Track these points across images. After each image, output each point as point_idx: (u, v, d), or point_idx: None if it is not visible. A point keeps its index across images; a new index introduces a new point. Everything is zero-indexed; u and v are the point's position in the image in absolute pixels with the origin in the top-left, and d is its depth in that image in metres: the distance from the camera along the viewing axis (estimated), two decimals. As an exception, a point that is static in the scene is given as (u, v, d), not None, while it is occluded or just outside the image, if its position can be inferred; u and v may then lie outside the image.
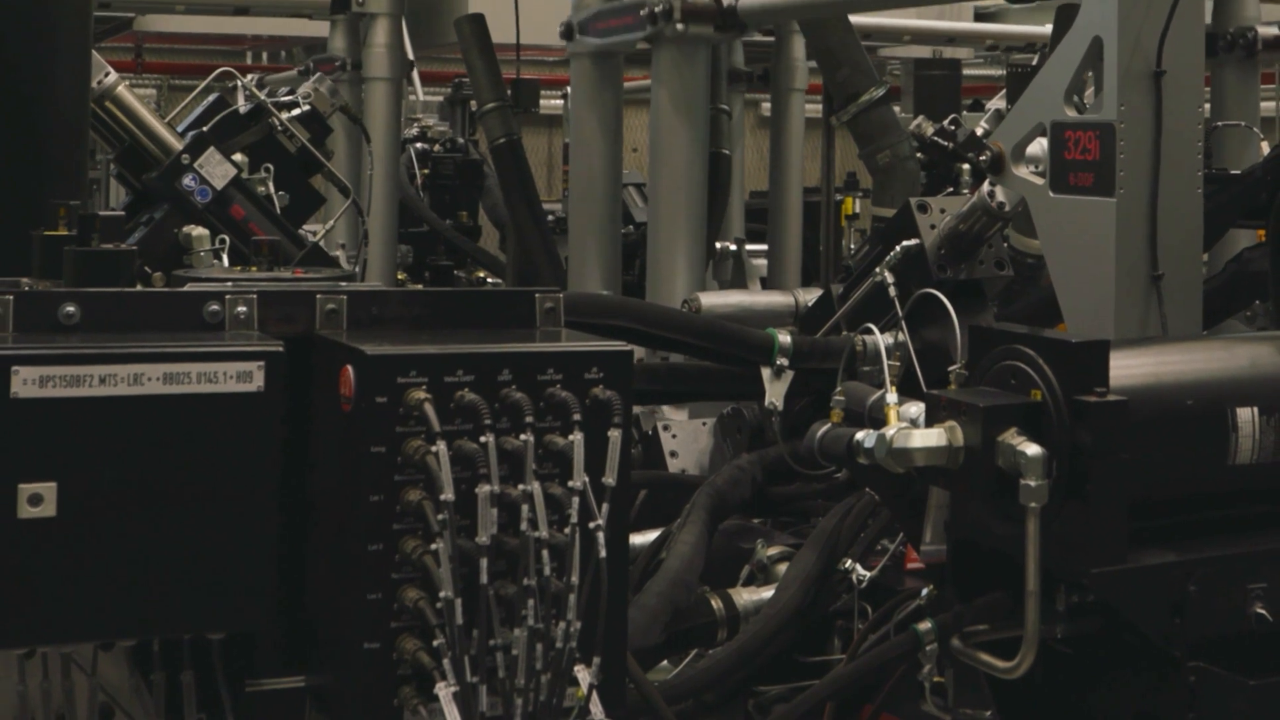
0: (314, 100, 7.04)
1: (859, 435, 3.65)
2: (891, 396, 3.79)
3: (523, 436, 2.91)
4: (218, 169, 6.21)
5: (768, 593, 4.39)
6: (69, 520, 2.77)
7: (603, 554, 2.91)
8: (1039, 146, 4.86)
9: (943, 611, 3.70)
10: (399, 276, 10.48)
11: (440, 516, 2.83)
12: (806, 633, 4.31)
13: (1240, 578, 3.55)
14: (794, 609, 4.23)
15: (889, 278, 4.73)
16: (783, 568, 4.48)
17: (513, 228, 9.85)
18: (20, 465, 2.75)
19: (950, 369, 3.76)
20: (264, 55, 18.86)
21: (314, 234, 6.90)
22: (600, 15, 7.66)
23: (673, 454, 5.80)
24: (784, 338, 5.00)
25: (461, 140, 14.87)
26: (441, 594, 2.83)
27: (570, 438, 2.93)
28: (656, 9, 7.11)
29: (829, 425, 3.91)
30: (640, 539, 4.70)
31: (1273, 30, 7.99)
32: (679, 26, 7.09)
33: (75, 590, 2.80)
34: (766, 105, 13.87)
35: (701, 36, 7.21)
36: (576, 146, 8.05)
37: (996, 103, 8.67)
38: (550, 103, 17.41)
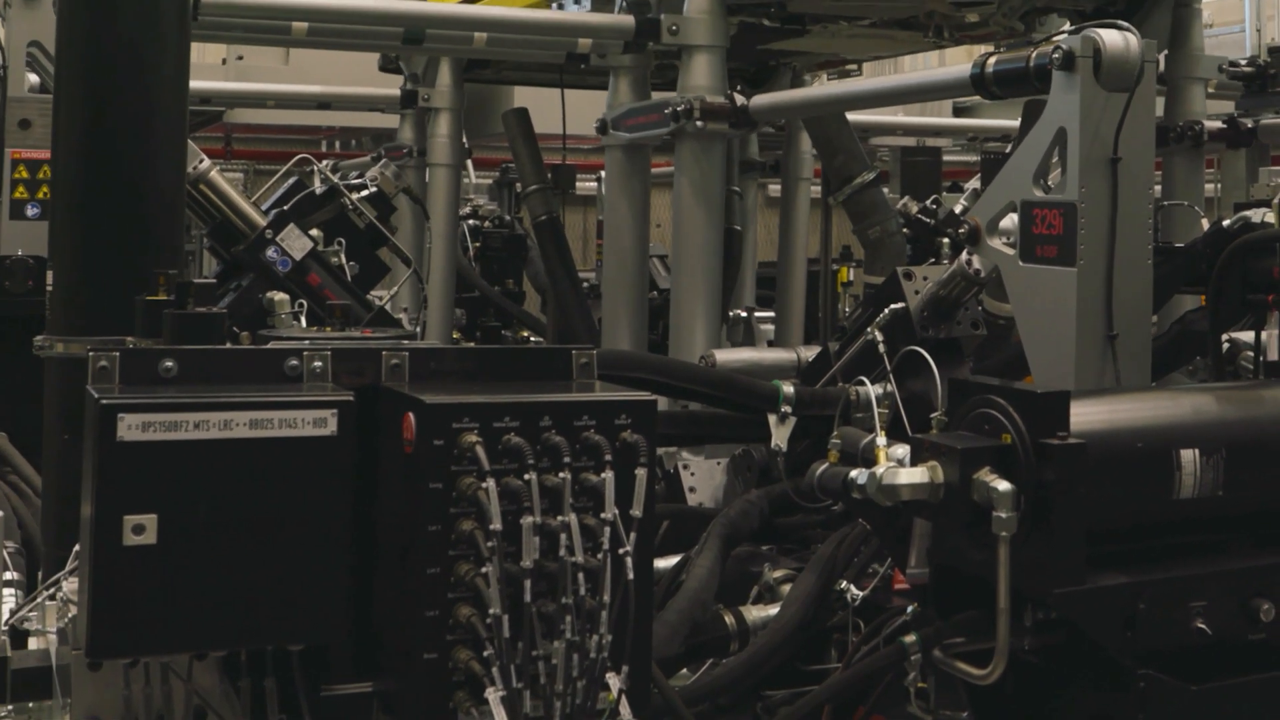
0: (380, 183, 7.10)
1: (853, 473, 3.65)
2: (881, 439, 3.79)
3: (561, 474, 2.92)
4: (297, 242, 6.26)
5: (774, 610, 4.38)
6: (168, 547, 2.78)
7: (631, 576, 2.91)
8: (1010, 221, 4.87)
9: (926, 626, 3.69)
10: (454, 335, 10.50)
11: (490, 544, 2.85)
12: (807, 645, 4.30)
13: (1184, 597, 3.54)
14: (796, 624, 4.23)
15: (879, 336, 4.74)
16: (787, 588, 4.47)
17: (552, 293, 9.89)
18: (125, 499, 2.77)
19: (932, 416, 3.77)
20: (337, 144, 18.94)
21: (380, 299, 6.93)
22: (630, 113, 7.71)
23: (691, 489, 5.79)
24: (788, 388, 5.02)
25: (508, 217, 14.92)
26: (491, 611, 2.84)
27: (602, 475, 2.94)
28: (679, 108, 7.15)
29: (827, 464, 3.91)
30: (663, 563, 4.69)
31: (1217, 124, 8.02)
32: (698, 123, 7.12)
33: (173, 608, 2.81)
34: (773, 188, 13.88)
35: (718, 132, 7.24)
36: (609, 225, 8.07)
37: (972, 184, 8.69)
38: (585, 185, 17.42)
